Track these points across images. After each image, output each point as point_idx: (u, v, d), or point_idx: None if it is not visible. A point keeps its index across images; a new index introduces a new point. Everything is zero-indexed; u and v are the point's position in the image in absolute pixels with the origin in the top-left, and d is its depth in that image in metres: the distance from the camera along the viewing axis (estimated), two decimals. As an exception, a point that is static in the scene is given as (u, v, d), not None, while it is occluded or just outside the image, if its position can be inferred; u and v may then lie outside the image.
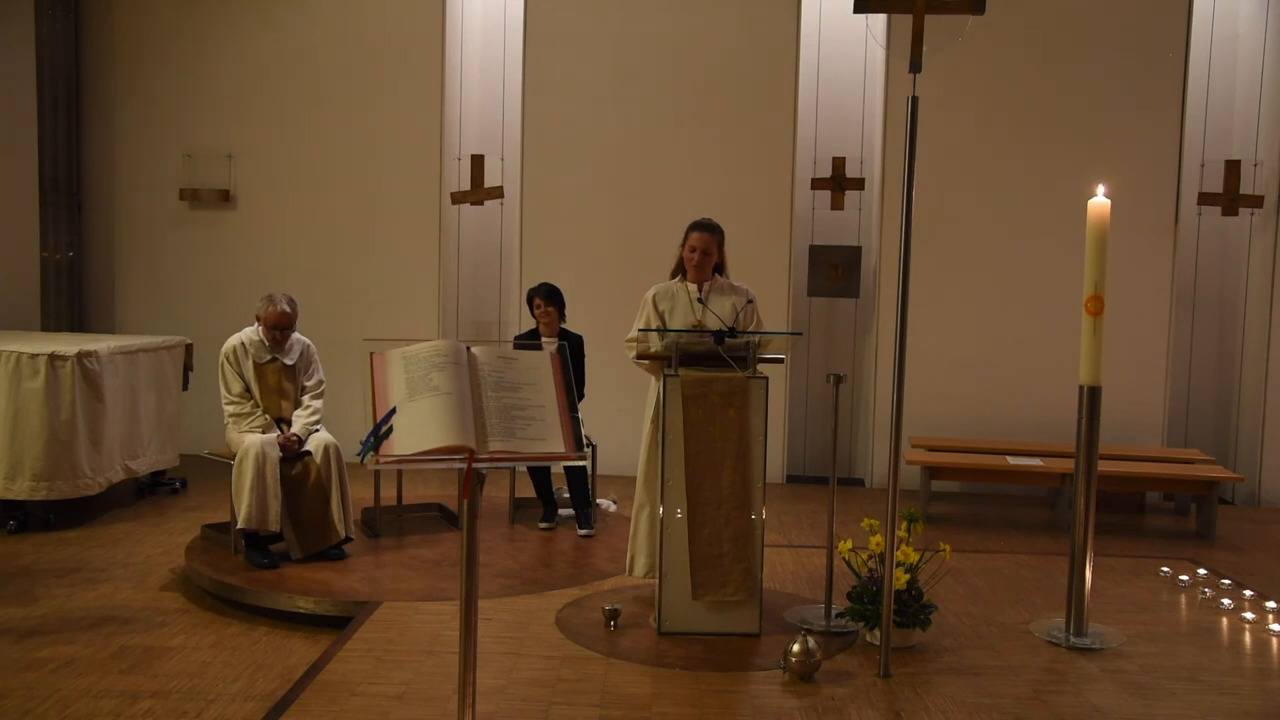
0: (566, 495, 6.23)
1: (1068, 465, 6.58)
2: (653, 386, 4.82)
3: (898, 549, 4.31)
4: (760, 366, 4.60)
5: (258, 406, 5.49)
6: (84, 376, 6.18)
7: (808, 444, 8.57)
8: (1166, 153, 7.77)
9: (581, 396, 5.94)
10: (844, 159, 8.18)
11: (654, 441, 4.69)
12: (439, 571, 5.30)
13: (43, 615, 4.79)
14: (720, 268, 4.93)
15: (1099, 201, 4.55)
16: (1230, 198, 7.87)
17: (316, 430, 5.57)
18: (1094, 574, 4.68)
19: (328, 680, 3.95)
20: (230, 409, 5.49)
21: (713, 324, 4.70)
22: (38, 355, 6.05)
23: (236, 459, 5.33)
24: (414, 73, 8.13)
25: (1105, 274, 4.55)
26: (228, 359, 5.49)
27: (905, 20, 4.81)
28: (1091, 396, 4.55)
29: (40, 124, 8.04)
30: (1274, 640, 4.73)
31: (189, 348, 7.29)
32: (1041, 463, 6.88)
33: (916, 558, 4.42)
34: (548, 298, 6.14)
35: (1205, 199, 7.94)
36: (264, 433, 5.40)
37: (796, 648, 4.06)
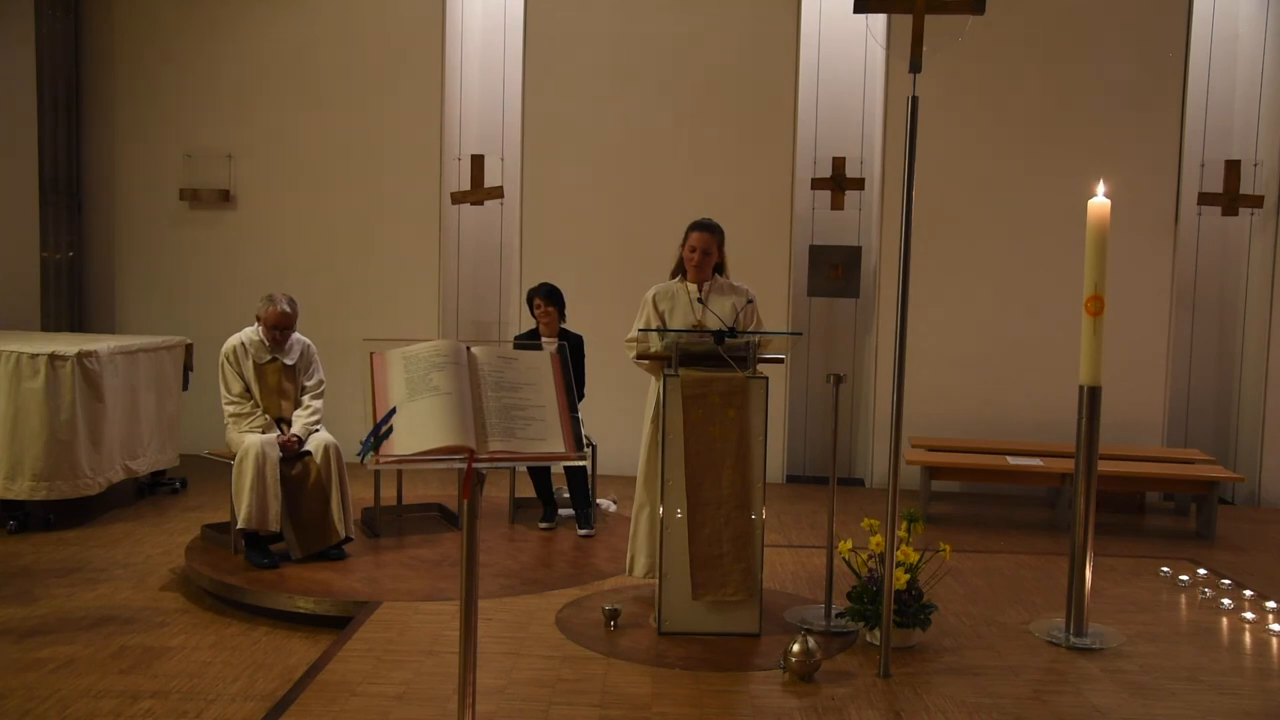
0: (566, 495, 6.23)
1: (1068, 465, 6.58)
2: (653, 386, 4.82)
3: (898, 549, 4.31)
4: (760, 366, 4.60)
5: (258, 406, 5.49)
6: (84, 376, 6.18)
7: (808, 444, 8.57)
8: (1166, 153, 7.77)
9: (581, 396, 5.94)
10: (844, 159, 8.18)
11: (654, 441, 4.69)
12: (439, 571, 5.30)
13: (43, 615, 4.79)
14: (720, 268, 4.93)
15: (1099, 201, 4.55)
16: (1230, 198, 7.87)
17: (316, 430, 5.57)
18: (1094, 574, 4.68)
19: (328, 680, 3.95)
20: (230, 409, 5.49)
21: (713, 324, 4.70)
22: (38, 355, 6.05)
23: (236, 459, 5.33)
24: (414, 73, 8.14)
25: (1105, 274, 4.55)
26: (228, 359, 5.49)
27: (905, 20, 4.81)
28: (1091, 396, 4.55)
29: (40, 124, 8.04)
30: (1274, 640, 4.73)
31: (189, 348, 7.29)
32: (1041, 463, 6.88)
33: (916, 558, 4.42)
34: (548, 298, 6.14)
35: (1205, 199, 7.94)
36: (264, 433, 5.40)
37: (796, 648, 4.06)
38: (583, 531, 6.07)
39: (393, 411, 2.87)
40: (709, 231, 4.85)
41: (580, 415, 3.07)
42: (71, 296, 8.47)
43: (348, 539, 5.45)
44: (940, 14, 4.14)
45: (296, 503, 5.35)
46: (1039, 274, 7.80)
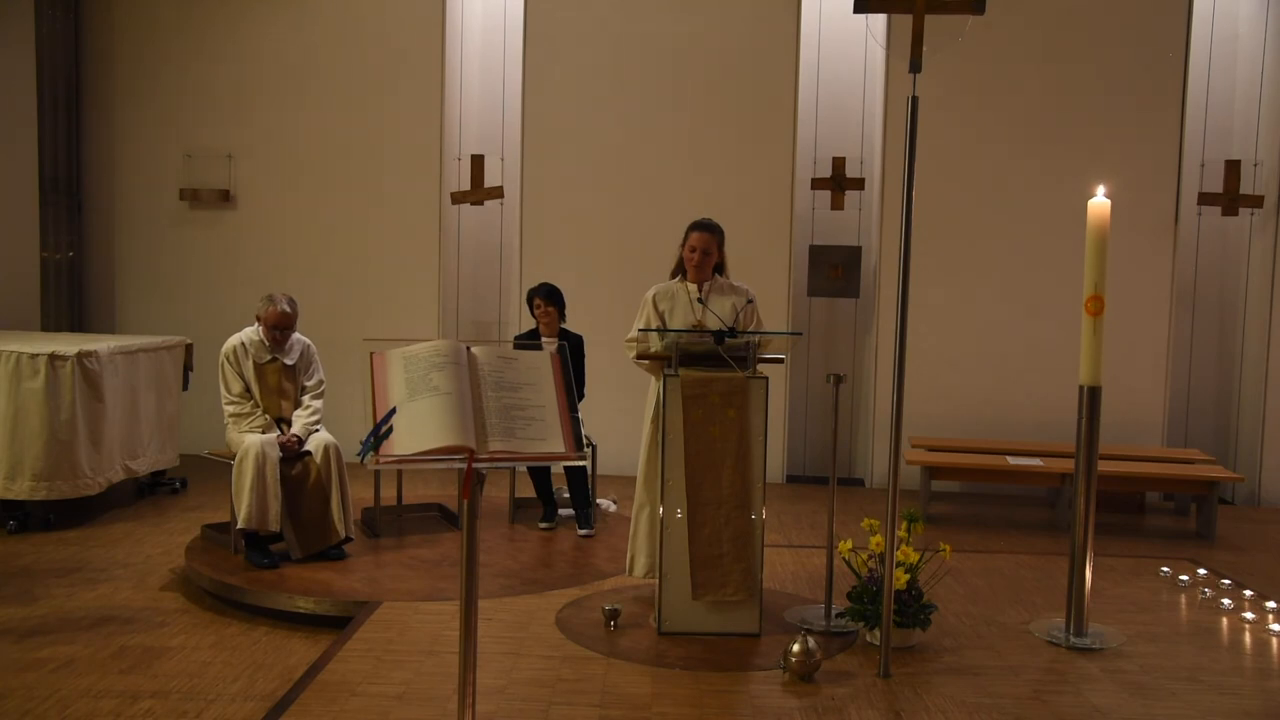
0: (566, 495, 6.23)
1: (1068, 465, 6.58)
2: (653, 386, 4.82)
3: (898, 549, 4.31)
4: (760, 366, 4.60)
5: (258, 406, 5.49)
6: (84, 376, 6.18)
7: (808, 444, 8.57)
8: (1166, 153, 7.77)
9: (581, 396, 5.94)
10: (844, 159, 8.18)
11: (654, 441, 4.69)
12: (439, 571, 5.30)
13: (43, 615, 4.79)
14: (720, 268, 4.93)
15: (1099, 201, 4.55)
16: (1230, 198, 7.87)
17: (316, 430, 5.57)
18: (1094, 574, 4.68)
19: (328, 680, 3.95)
20: (230, 409, 5.48)
21: (713, 324, 4.70)
22: (38, 355, 6.05)
23: (236, 459, 5.33)
24: (414, 73, 8.14)
25: (1105, 274, 4.55)
26: (228, 359, 5.49)
27: (905, 20, 4.82)
28: (1091, 396, 4.55)
29: (40, 124, 8.04)
30: (1274, 640, 4.73)
31: (189, 348, 7.29)
32: (1041, 463, 6.88)
33: (916, 558, 4.42)
34: (548, 298, 6.14)
35: (1205, 199, 7.94)
36: (264, 433, 5.40)
37: (796, 648, 4.06)
38: (583, 531, 6.07)
39: (393, 411, 2.87)
40: (709, 231, 4.85)
41: (580, 415, 3.07)
42: (71, 296, 8.48)
43: (348, 539, 5.45)
44: (940, 14, 4.14)
45: (296, 503, 5.35)
46: (1039, 274, 7.80)
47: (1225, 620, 4.99)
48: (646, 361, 4.74)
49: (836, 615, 4.65)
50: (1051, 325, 7.69)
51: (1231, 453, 8.12)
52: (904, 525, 4.46)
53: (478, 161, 8.26)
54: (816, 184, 8.20)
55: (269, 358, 5.54)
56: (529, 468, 6.12)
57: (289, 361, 5.59)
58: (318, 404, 5.64)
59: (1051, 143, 7.77)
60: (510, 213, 8.43)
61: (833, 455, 4.66)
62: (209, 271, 8.35)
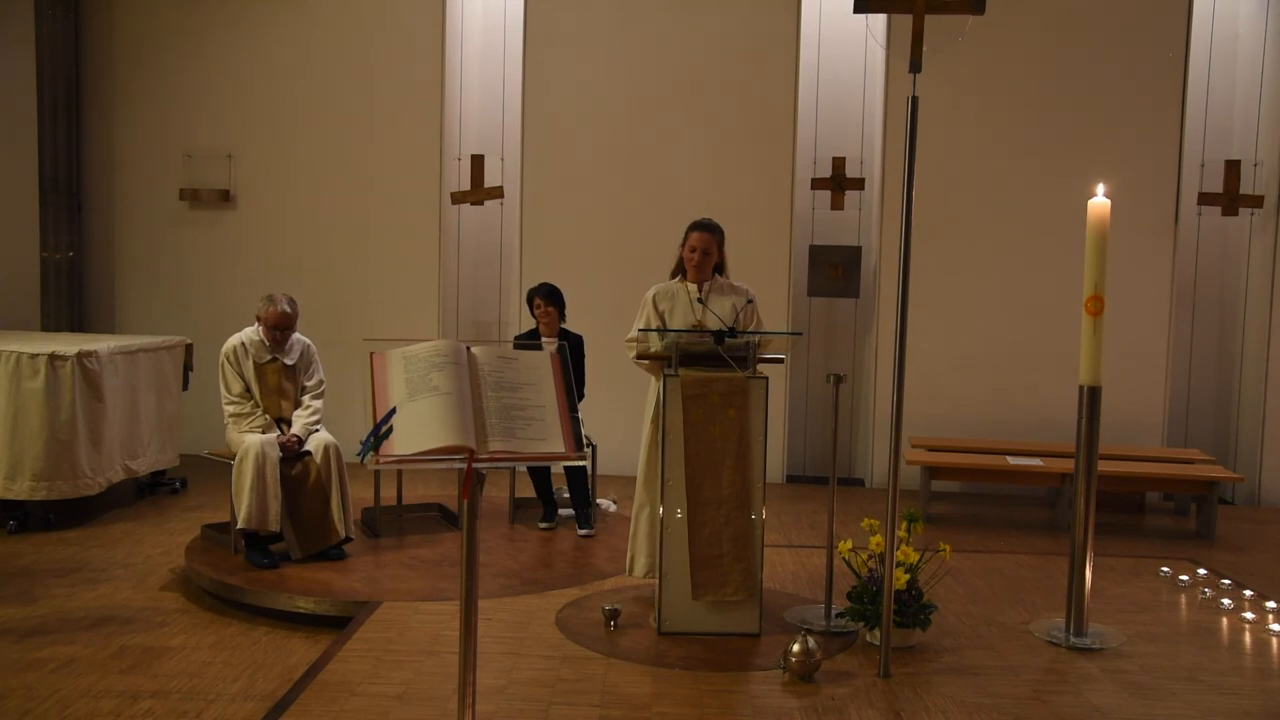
0: (566, 495, 6.23)
1: (1068, 465, 6.57)
2: (653, 386, 4.82)
3: (898, 549, 4.31)
4: (760, 366, 4.60)
5: (258, 406, 5.49)
6: (84, 376, 6.18)
7: (808, 444, 8.57)
8: (1166, 153, 7.77)
9: (581, 396, 5.94)
10: (844, 159, 8.18)
11: (654, 441, 4.69)
12: (439, 571, 5.30)
13: (43, 615, 4.79)
14: (720, 268, 4.93)
15: (1099, 201, 4.55)
16: (1230, 198, 7.87)
17: (316, 430, 5.57)
18: (1094, 574, 4.68)
19: (328, 680, 3.95)
20: (230, 409, 5.48)
21: (713, 324, 4.70)
22: (38, 355, 6.05)
23: (236, 459, 5.33)
24: (414, 73, 8.13)
25: (1105, 274, 4.55)
26: (228, 359, 5.49)
27: (905, 20, 4.82)
28: (1091, 396, 4.55)
29: (40, 124, 8.04)
30: (1274, 640, 4.73)
31: (189, 348, 7.29)
32: (1041, 463, 6.88)
33: (916, 558, 4.42)
34: (548, 298, 6.14)
35: (1205, 199, 7.94)
36: (264, 433, 5.40)
37: (796, 648, 4.06)
38: (583, 531, 6.07)
39: (393, 411, 2.87)
40: (709, 231, 4.85)
41: (580, 415, 3.07)
42: (71, 296, 8.48)
43: (348, 539, 5.45)
44: (940, 14, 4.14)
45: (296, 503, 5.35)
46: (1039, 274, 7.80)
47: (1225, 620, 4.99)
48: (646, 361, 4.74)
49: (836, 615, 4.65)
50: (1051, 325, 7.69)
51: (1231, 453, 8.12)
52: (904, 525, 4.46)
53: (478, 161, 8.26)
54: (816, 184, 8.20)
55: (269, 358, 5.54)
56: (529, 468, 6.12)
57: (289, 361, 5.59)
58: (318, 404, 5.64)
59: (1051, 143, 7.77)
60: (510, 213, 8.43)
61: (833, 455, 4.66)
62: (209, 271, 8.35)
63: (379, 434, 2.84)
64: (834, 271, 8.22)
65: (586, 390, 6.25)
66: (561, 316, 6.20)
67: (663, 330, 4.69)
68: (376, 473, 5.88)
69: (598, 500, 6.46)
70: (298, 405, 5.60)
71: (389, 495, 6.27)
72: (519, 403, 2.99)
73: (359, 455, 2.91)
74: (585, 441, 3.10)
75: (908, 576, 4.35)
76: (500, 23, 8.44)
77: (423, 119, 8.15)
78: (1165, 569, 5.77)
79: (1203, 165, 8.02)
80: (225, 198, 8.33)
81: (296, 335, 5.63)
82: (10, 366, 6.06)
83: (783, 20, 7.91)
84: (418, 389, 2.89)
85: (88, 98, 8.47)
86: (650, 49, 7.99)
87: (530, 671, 4.10)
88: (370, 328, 7.63)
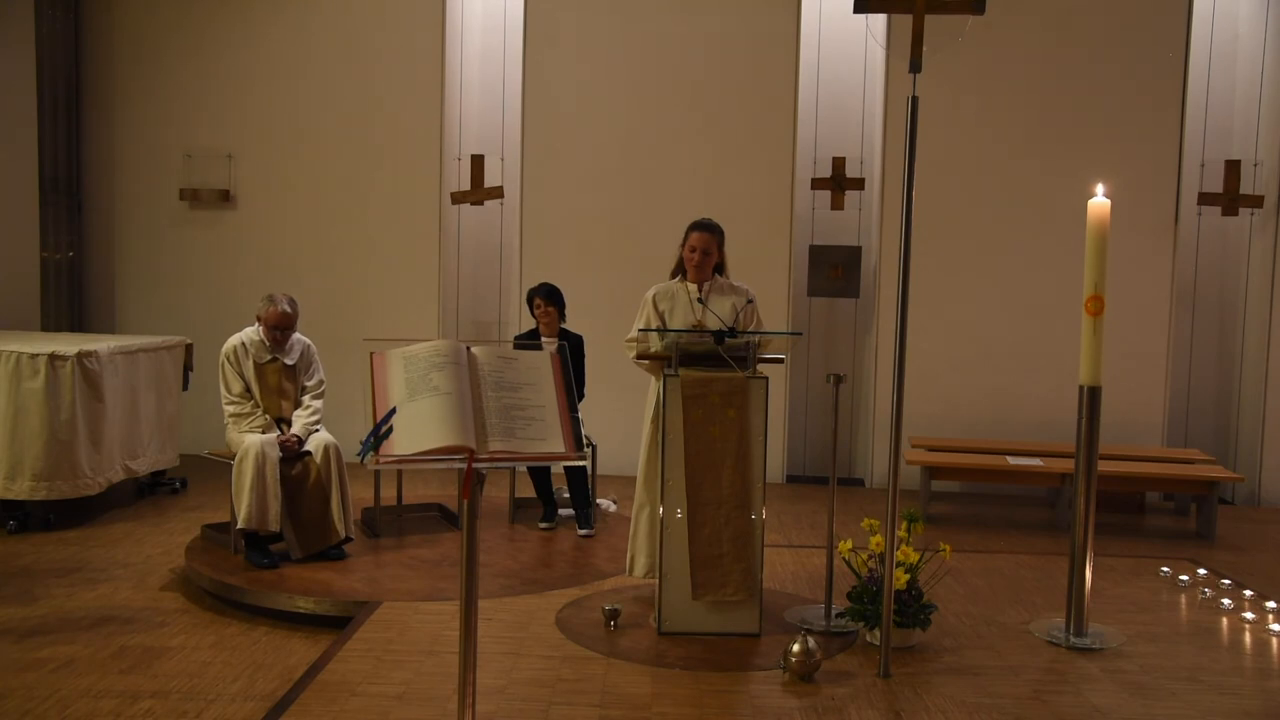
0: (566, 495, 6.23)
1: (1068, 465, 6.57)
2: (653, 386, 4.82)
3: (898, 549, 4.31)
4: (760, 366, 4.60)
5: (258, 406, 5.49)
6: (84, 376, 6.18)
7: (808, 444, 8.57)
8: (1166, 153, 7.77)
9: (581, 396, 5.94)
10: (844, 159, 8.18)
11: (654, 441, 4.69)
12: (439, 571, 5.30)
13: (43, 615, 4.79)
14: (720, 268, 4.93)
15: (1099, 201, 4.55)
16: (1230, 198, 7.87)
17: (316, 430, 5.57)
18: (1094, 574, 4.68)
19: (328, 680, 3.95)
20: (230, 409, 5.49)
21: (713, 324, 4.70)
22: (38, 355, 6.05)
23: (236, 459, 5.33)
24: (414, 73, 8.13)
25: (1105, 274, 4.55)
26: (228, 359, 5.49)
27: (905, 20, 4.82)
28: (1091, 396, 4.55)
29: (40, 124, 8.04)
30: (1274, 640, 4.73)
31: (189, 348, 7.29)
32: (1041, 463, 6.88)
33: (916, 558, 4.42)
34: (548, 298, 6.14)
35: (1205, 199, 7.94)
36: (264, 433, 5.40)
37: (796, 648, 4.06)
38: (583, 531, 6.07)
39: (393, 411, 2.87)
40: (709, 231, 4.85)
41: (580, 415, 3.07)
42: (71, 296, 8.48)
43: (348, 539, 5.45)
44: (940, 14, 4.14)
45: (296, 503, 5.35)
46: (1039, 274, 7.80)
47: (1225, 620, 4.99)
48: (646, 361, 4.74)
49: (836, 615, 4.65)
50: (1052, 325, 7.69)
51: (1231, 453, 8.12)
52: (904, 525, 4.46)
53: (478, 161, 8.26)
54: (816, 184, 8.20)
55: (269, 358, 5.54)
56: (529, 468, 6.12)
57: (289, 361, 5.59)
58: (318, 404, 5.64)
59: (1051, 143, 7.77)
60: (510, 213, 8.43)
61: (833, 455, 4.66)
62: (209, 271, 8.35)
63: (379, 434, 2.84)
64: (834, 271, 8.22)
65: (586, 390, 6.25)
66: (561, 316, 6.20)
67: (663, 330, 4.69)
68: (376, 473, 5.88)
69: (598, 500, 6.46)
70: (298, 405, 5.60)
71: (389, 495, 6.27)
72: (519, 403, 2.99)
73: (359, 455, 2.91)
74: (585, 441, 3.10)
75: (908, 576, 4.35)
76: (500, 23, 8.44)
77: (423, 119, 8.15)
78: (1165, 569, 5.77)
79: (1203, 165, 8.02)
80: (225, 198, 8.33)
81: (297, 335, 5.63)
82: (10, 366, 6.06)
83: (783, 20, 7.91)
84: (418, 389, 2.89)
85: (88, 98, 8.47)
86: (650, 49, 7.99)
87: (530, 671, 4.10)
88: (370, 328, 7.63)
